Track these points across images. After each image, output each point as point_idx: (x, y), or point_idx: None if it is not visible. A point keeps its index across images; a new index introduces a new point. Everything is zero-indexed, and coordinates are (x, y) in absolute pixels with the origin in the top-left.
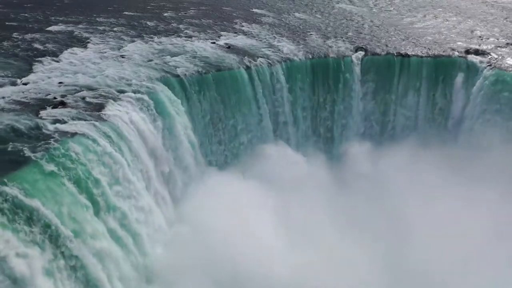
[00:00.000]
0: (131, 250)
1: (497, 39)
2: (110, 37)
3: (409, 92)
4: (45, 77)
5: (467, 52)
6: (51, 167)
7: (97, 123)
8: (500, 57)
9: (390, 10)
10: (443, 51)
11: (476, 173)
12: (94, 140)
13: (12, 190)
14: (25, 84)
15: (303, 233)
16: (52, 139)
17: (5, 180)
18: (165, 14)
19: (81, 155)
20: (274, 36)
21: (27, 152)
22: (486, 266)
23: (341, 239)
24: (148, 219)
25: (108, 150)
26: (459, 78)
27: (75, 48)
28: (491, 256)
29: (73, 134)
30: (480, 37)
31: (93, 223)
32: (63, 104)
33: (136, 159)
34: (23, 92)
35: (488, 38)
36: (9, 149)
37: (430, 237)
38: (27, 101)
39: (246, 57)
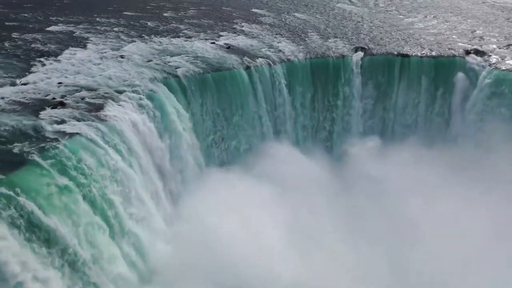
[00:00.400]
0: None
1: (498, 40)
2: (110, 37)
3: (409, 93)
4: (45, 77)
5: (468, 52)
6: (64, 180)
7: (97, 125)
8: (500, 58)
9: (390, 10)
10: (444, 52)
11: (475, 174)
12: (105, 151)
13: (27, 203)
14: (24, 84)
15: (304, 233)
16: (55, 142)
17: (18, 190)
18: (165, 14)
19: (94, 170)
20: (274, 37)
21: (31, 155)
22: (486, 266)
23: (343, 240)
24: (148, 218)
25: (120, 165)
26: (459, 78)
27: (74, 48)
28: (491, 256)
29: (74, 136)
30: (480, 37)
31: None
32: (62, 104)
33: (131, 152)
34: (22, 93)
35: (488, 39)
36: (11, 150)
37: (432, 237)
38: (26, 101)
39: (246, 58)
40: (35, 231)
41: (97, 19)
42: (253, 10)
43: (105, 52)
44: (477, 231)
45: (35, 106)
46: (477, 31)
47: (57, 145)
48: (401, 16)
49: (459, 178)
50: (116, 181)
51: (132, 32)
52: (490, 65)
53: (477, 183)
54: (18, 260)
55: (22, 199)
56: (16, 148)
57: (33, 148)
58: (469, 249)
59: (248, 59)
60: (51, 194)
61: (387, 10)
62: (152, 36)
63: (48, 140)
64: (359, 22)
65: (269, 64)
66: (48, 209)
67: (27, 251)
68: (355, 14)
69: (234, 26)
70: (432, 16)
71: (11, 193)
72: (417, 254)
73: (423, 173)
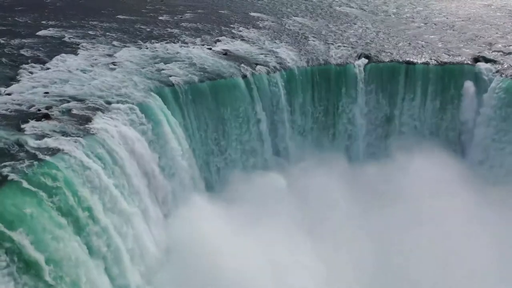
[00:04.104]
0: None
1: (507, 46)
2: (102, 43)
3: (414, 101)
4: (31, 86)
5: (476, 59)
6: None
7: (83, 140)
8: (509, 65)
9: (394, 15)
10: (451, 59)
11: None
12: (91, 169)
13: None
14: (8, 94)
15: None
16: (35, 158)
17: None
18: (160, 18)
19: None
20: (274, 42)
21: (7, 172)
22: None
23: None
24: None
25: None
26: (468, 87)
27: (64, 55)
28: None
29: (57, 152)
30: (489, 44)
31: None
32: (47, 117)
33: (120, 169)
34: (5, 104)
35: (497, 45)
36: None
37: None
38: (8, 113)
39: (244, 65)
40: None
41: (90, 23)
42: (252, 14)
43: (96, 59)
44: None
45: (18, 119)
46: (485, 37)
47: (39, 163)
48: (405, 21)
49: (467, 189)
50: (103, 200)
51: (126, 37)
52: (500, 72)
53: (487, 194)
54: None
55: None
56: None
57: (12, 166)
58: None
59: (246, 66)
60: (31, 216)
61: (391, 15)
62: (146, 41)
63: (29, 157)
64: (361, 27)
65: (268, 72)
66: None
67: None
68: (358, 19)
69: (232, 31)
70: (438, 21)
71: None
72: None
73: (430, 183)
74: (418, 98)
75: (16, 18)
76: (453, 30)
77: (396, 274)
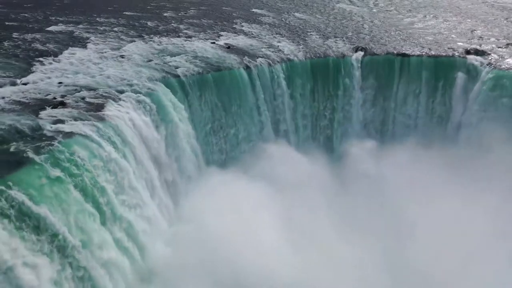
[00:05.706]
0: (136, 258)
1: (497, 39)
2: (110, 37)
3: (409, 92)
4: (45, 77)
5: (467, 52)
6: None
7: (97, 124)
8: (500, 58)
9: (390, 10)
10: (443, 51)
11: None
12: (99, 144)
13: (18, 195)
14: (25, 84)
15: (303, 233)
16: (53, 140)
17: (10, 183)
18: (165, 14)
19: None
20: (274, 36)
21: (29, 153)
22: (486, 265)
23: (342, 239)
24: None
25: (113, 156)
26: (459, 78)
27: (75, 48)
28: (491, 256)
29: (73, 135)
30: (480, 37)
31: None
32: (63, 104)
33: (133, 154)
34: (23, 92)
35: (488, 38)
36: (10, 149)
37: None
38: (27, 101)
39: (246, 57)
40: (25, 219)
41: (97, 19)
42: (253, 10)
43: (105, 52)
44: (476, 230)
45: (36, 106)
46: (477, 31)
47: (56, 144)
48: (400, 16)
49: (457, 178)
50: (115, 177)
51: (132, 32)
52: (490, 64)
53: (476, 183)
54: (8, 248)
55: (13, 192)
56: (15, 148)
57: (32, 149)
58: (468, 248)
59: (249, 59)
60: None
61: (387, 10)
62: (152, 36)
63: (47, 140)
64: (359, 22)
65: (269, 64)
66: (39, 198)
67: (17, 238)
68: (355, 14)
69: (234, 26)
70: (431, 15)
71: (2, 187)
72: (418, 254)
73: (421, 173)
74: (412, 88)
75: (26, 15)
76: (447, 24)
77: None
